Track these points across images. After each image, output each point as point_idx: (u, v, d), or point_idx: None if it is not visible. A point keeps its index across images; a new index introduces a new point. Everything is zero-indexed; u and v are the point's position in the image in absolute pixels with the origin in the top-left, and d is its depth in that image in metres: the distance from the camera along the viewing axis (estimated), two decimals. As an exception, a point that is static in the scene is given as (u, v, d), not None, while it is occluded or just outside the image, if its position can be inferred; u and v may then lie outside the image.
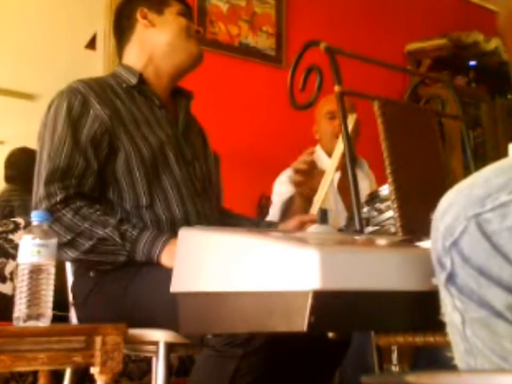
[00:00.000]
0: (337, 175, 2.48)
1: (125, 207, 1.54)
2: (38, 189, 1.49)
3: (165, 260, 1.41)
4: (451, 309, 0.77)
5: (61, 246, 1.42)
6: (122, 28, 1.74)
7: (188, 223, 1.55)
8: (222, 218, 1.77)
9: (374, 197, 1.48)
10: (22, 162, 3.19)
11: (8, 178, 3.30)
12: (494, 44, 3.92)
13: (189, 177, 1.63)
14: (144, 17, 1.69)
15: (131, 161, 1.53)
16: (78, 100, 1.53)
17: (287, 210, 2.01)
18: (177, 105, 1.74)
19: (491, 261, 0.73)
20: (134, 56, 1.70)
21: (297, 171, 1.82)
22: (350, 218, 2.08)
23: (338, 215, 2.38)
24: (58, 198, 1.46)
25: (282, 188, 2.48)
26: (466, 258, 0.75)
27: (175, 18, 1.70)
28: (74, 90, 1.55)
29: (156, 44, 1.68)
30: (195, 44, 1.69)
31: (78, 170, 1.49)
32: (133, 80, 1.64)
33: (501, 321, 0.73)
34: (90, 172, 1.51)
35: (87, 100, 1.54)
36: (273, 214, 2.31)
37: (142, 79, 1.65)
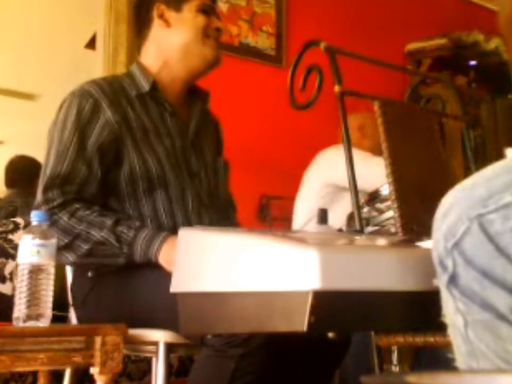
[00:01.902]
0: None
1: (128, 214, 1.52)
2: (39, 192, 1.49)
3: (162, 262, 1.41)
4: (453, 311, 0.76)
5: (60, 249, 1.40)
6: (140, 21, 1.70)
7: None
8: None
9: (374, 197, 1.48)
10: (23, 169, 3.23)
11: (10, 183, 3.32)
12: (494, 43, 3.91)
13: (195, 189, 1.60)
14: (161, 15, 1.64)
15: (135, 172, 1.51)
16: (89, 103, 1.51)
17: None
18: (192, 109, 1.70)
19: (494, 262, 0.72)
20: (150, 56, 1.66)
21: None
22: (350, 218, 2.08)
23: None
24: (55, 203, 1.45)
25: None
26: (469, 259, 0.74)
27: (193, 17, 1.64)
28: (86, 93, 1.52)
29: (170, 47, 1.63)
30: (211, 47, 1.64)
31: (80, 178, 1.48)
32: (146, 86, 1.60)
33: (504, 324, 0.72)
34: (92, 180, 1.49)
35: (98, 104, 1.51)
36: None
37: (155, 85, 1.61)
